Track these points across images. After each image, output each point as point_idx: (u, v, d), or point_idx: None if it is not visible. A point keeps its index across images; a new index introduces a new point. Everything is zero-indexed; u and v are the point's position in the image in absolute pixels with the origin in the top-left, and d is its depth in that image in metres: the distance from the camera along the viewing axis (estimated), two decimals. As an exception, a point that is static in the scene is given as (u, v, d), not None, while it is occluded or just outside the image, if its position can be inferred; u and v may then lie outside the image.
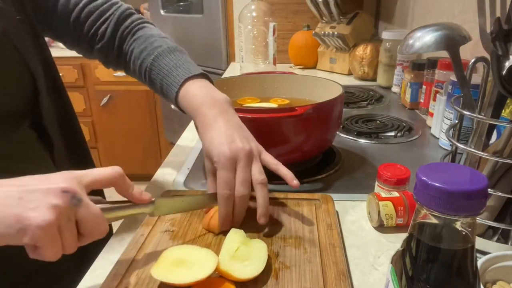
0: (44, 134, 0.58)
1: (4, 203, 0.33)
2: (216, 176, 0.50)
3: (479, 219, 0.49)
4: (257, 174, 0.51)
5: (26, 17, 0.57)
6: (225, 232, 0.51)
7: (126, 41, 0.65)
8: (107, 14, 0.64)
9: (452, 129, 0.59)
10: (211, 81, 0.61)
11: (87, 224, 0.37)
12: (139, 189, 0.45)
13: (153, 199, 0.47)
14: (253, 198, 0.52)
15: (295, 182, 0.52)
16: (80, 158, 0.69)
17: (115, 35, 0.65)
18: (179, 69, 0.59)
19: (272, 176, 0.69)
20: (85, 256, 0.67)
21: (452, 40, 0.53)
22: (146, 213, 0.47)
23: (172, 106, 0.62)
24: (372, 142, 0.88)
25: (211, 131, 0.53)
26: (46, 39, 0.65)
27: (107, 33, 0.64)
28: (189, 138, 0.91)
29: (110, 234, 0.60)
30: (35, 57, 0.57)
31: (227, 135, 0.52)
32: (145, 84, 0.66)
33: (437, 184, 0.26)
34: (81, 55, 0.69)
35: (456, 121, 0.59)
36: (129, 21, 0.65)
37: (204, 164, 0.55)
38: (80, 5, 0.62)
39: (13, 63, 0.53)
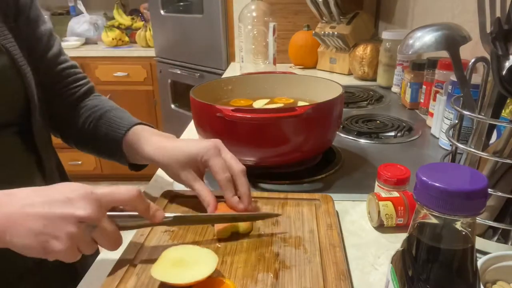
0: (30, 141, 0.59)
1: (31, 232, 0.39)
2: (211, 166, 0.54)
3: (479, 219, 0.49)
4: (235, 163, 0.55)
5: (18, 30, 0.59)
6: (228, 238, 0.51)
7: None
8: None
9: (452, 129, 0.59)
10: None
11: (101, 241, 0.43)
12: (154, 206, 0.47)
13: (170, 215, 0.49)
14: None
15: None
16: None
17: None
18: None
19: (271, 176, 0.70)
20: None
21: (452, 40, 0.53)
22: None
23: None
24: (372, 142, 0.88)
25: (175, 141, 0.59)
26: None
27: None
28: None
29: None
30: (27, 65, 0.58)
31: (193, 140, 0.59)
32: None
33: (437, 184, 0.26)
34: (77, 62, 0.73)
35: (456, 121, 0.58)
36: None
37: (182, 178, 0.56)
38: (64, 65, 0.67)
39: (7, 71, 0.55)
